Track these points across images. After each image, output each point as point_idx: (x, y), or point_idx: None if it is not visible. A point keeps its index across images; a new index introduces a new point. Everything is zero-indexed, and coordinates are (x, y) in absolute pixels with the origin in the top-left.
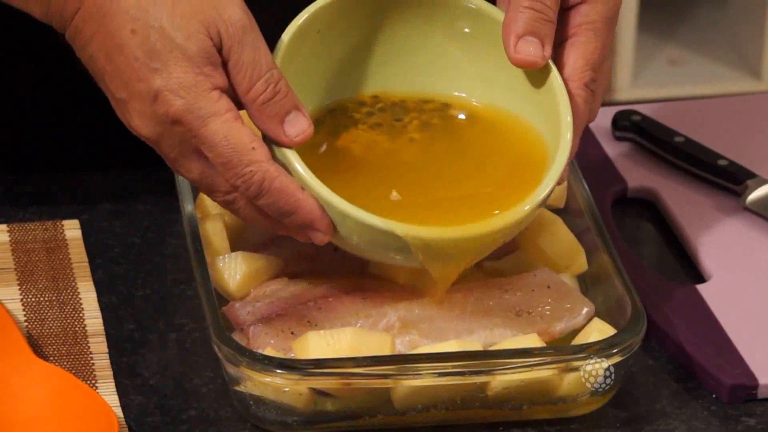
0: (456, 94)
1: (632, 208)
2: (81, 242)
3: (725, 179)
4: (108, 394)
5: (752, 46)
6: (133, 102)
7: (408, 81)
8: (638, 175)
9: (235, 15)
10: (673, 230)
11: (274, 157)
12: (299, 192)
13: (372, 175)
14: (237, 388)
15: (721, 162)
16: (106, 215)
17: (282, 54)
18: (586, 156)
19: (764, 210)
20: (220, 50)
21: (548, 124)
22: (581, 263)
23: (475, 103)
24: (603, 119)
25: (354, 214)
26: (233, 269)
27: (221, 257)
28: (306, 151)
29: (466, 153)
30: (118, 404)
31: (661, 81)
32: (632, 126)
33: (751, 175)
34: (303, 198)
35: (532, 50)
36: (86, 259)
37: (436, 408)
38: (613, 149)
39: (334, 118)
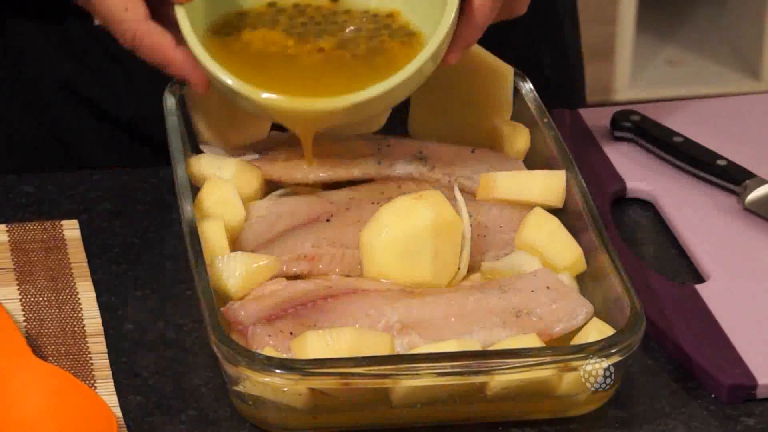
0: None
1: (631, 208)
2: (80, 242)
3: (724, 179)
4: (107, 394)
5: (751, 47)
6: None
7: None
8: (637, 175)
9: None
10: (672, 230)
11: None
12: (171, 49)
13: (265, 61)
14: (236, 388)
15: (720, 162)
16: (106, 215)
17: None
18: (586, 156)
19: (763, 210)
20: None
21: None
22: (580, 263)
23: (410, 18)
24: (602, 119)
25: (214, 70)
26: (232, 270)
27: (220, 258)
28: (219, 30)
29: (368, 63)
30: (117, 404)
31: (660, 81)
32: (631, 126)
33: (750, 175)
34: (174, 54)
35: None
36: (85, 259)
37: (435, 407)
38: (612, 149)
39: (263, 15)
